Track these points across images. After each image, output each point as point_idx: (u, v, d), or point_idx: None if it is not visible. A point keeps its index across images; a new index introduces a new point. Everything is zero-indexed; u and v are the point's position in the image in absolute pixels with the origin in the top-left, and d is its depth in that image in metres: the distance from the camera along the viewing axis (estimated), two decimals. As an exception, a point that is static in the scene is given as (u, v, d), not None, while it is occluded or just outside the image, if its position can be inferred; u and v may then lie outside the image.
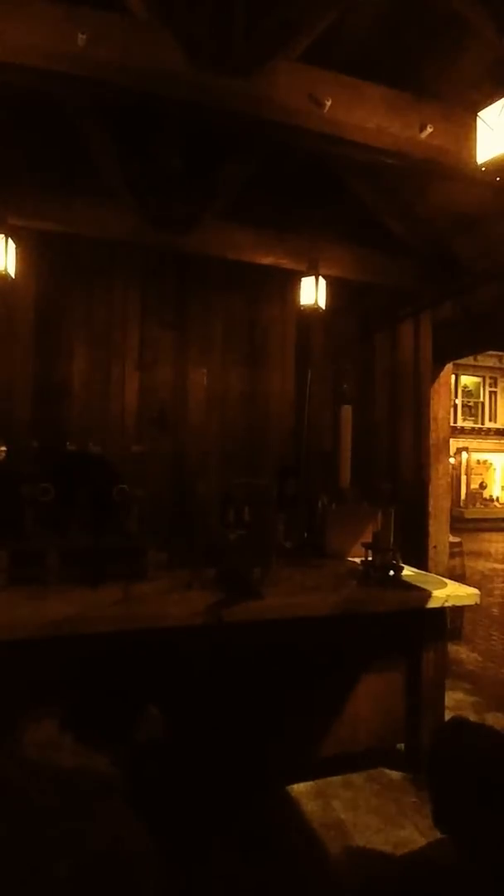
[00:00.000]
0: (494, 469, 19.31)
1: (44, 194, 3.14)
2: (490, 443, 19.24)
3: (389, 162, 2.55)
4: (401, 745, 3.08)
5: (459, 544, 5.90)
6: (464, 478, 18.47)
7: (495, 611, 6.73)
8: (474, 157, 2.13)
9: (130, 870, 0.98)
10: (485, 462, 19.19)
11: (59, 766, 1.07)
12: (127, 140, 3.19)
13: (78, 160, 3.20)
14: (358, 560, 3.16)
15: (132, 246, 3.59)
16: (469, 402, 19.45)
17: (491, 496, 19.03)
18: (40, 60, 2.02)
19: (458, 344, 3.80)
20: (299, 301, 3.64)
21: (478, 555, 11.37)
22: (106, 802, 1.04)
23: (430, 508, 3.77)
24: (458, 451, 18.29)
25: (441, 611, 2.95)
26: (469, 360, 17.34)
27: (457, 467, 18.12)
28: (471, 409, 19.50)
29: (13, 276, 3.08)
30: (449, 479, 3.96)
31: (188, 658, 2.39)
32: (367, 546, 3.05)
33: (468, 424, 19.15)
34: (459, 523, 14.94)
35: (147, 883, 0.99)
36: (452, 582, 3.19)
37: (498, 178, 2.06)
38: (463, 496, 18.25)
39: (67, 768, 1.07)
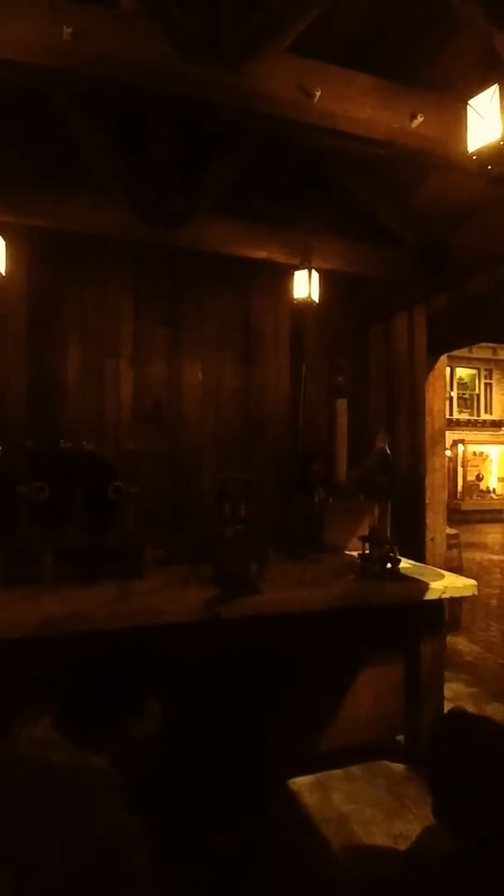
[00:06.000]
0: (491, 461, 19.33)
1: (35, 190, 3.11)
2: (486, 435, 19.27)
3: (381, 152, 2.54)
4: (400, 737, 3.09)
5: (457, 536, 5.92)
6: (460, 470, 18.48)
7: (493, 602, 6.76)
8: (465, 145, 2.11)
9: (126, 864, 0.98)
10: (481, 454, 19.21)
11: (54, 763, 1.06)
12: (118, 135, 3.17)
13: (69, 156, 3.18)
14: (355, 553, 3.16)
15: (124, 242, 3.57)
16: (464, 394, 19.45)
17: (487, 488, 19.06)
18: (25, 55, 2.00)
19: (452, 336, 3.79)
20: (293, 295, 3.62)
21: (475, 546, 11.41)
22: (101, 798, 1.04)
23: (427, 501, 3.77)
24: (455, 443, 18.30)
25: (439, 602, 2.96)
26: (464, 352, 17.33)
27: (453, 459, 18.13)
28: (466, 402, 19.49)
29: (4, 273, 3.06)
30: (445, 472, 3.96)
31: (187, 654, 2.39)
32: (364, 539, 3.05)
33: (464, 416, 19.15)
34: (456, 515, 15.00)
35: (144, 877, 0.99)
36: (450, 573, 3.19)
37: (489, 167, 2.05)
38: (459, 488, 18.27)
39: (63, 765, 1.06)
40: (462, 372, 19.30)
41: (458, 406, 19.16)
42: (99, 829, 0.99)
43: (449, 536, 4.52)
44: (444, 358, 3.89)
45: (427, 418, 3.81)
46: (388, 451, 3.09)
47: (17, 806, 1.03)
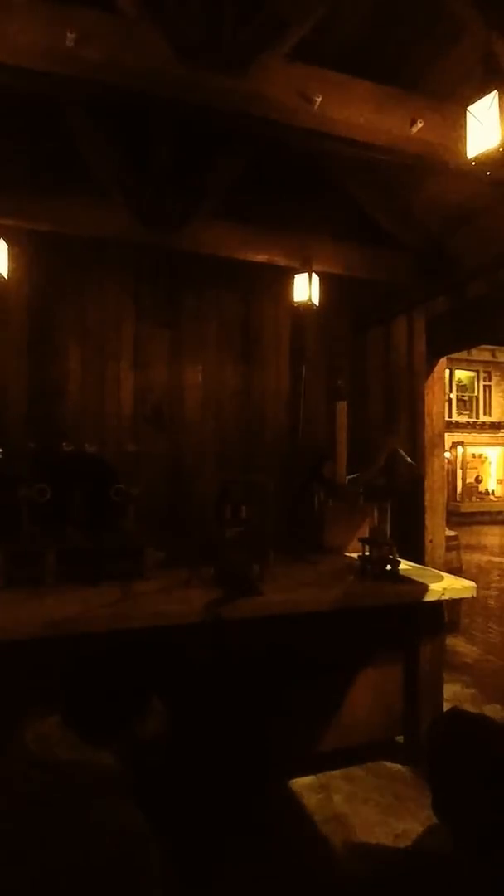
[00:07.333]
0: (490, 463, 19.35)
1: (36, 194, 3.13)
2: (485, 437, 19.29)
3: (381, 157, 2.56)
4: (400, 738, 3.10)
5: (456, 538, 5.92)
6: (459, 472, 18.51)
7: (492, 603, 6.77)
8: (464, 151, 2.13)
9: (132, 861, 0.99)
10: (480, 456, 19.24)
11: (60, 761, 1.08)
12: (119, 138, 3.18)
13: (70, 159, 3.19)
14: (355, 555, 3.17)
15: (125, 245, 3.59)
16: (464, 396, 19.49)
17: (486, 490, 19.08)
18: (28, 60, 2.02)
19: (451, 338, 3.81)
20: (293, 298, 3.64)
21: (474, 548, 11.42)
22: (107, 795, 1.05)
23: (426, 503, 3.79)
24: (454, 445, 18.33)
25: (438, 604, 2.97)
26: (463, 355, 17.36)
27: (452, 462, 18.16)
28: (465, 404, 19.53)
29: (5, 276, 3.07)
30: (444, 474, 3.98)
31: (189, 655, 2.40)
32: (363, 541, 3.07)
33: (463, 419, 19.18)
34: (455, 517, 15.02)
35: (150, 874, 1.00)
36: (449, 575, 3.21)
37: (488, 173, 2.07)
38: (459, 490, 18.29)
39: (70, 762, 1.08)
40: (461, 374, 19.34)
41: (458, 408, 19.19)
42: (107, 826, 1.00)
43: (448, 538, 4.53)
44: (443, 360, 3.91)
45: (426, 420, 3.83)
46: (400, 452, 3.14)
47: (24, 802, 1.05)
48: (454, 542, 5.70)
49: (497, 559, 10.42)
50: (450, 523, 4.59)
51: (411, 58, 2.79)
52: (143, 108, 2.77)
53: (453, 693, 3.82)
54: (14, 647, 2.12)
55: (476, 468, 19.07)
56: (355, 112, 2.32)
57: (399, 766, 2.96)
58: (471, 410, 19.55)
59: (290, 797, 2.71)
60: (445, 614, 3.25)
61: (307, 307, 3.60)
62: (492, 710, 3.66)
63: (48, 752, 1.09)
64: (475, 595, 3.08)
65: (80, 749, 1.10)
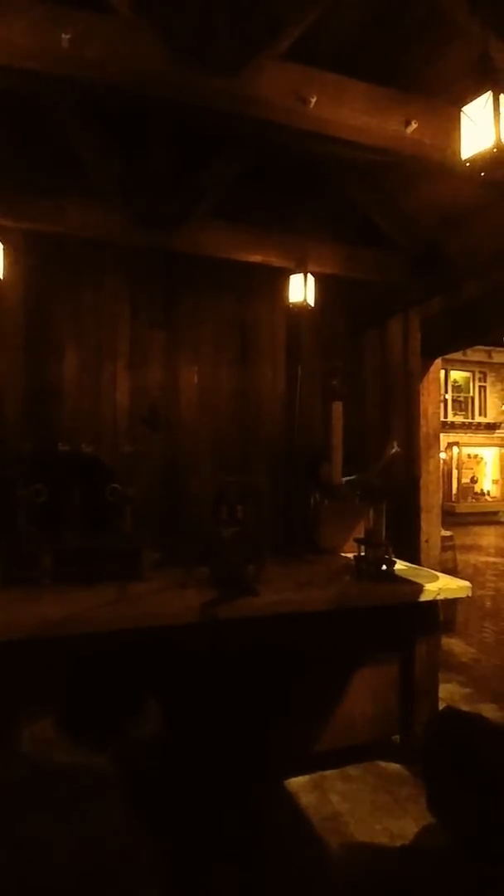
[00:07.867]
0: (485, 463, 19.42)
1: (32, 195, 3.12)
2: (480, 437, 19.35)
3: (376, 158, 2.57)
4: (396, 737, 3.11)
5: (451, 538, 5.94)
6: (455, 472, 18.55)
7: (487, 603, 6.79)
8: (459, 152, 2.13)
9: (128, 863, 0.99)
10: (476, 456, 19.30)
11: (55, 763, 1.08)
12: (115, 140, 3.18)
13: (66, 160, 3.19)
14: (351, 555, 3.18)
15: (121, 246, 3.58)
16: (459, 397, 19.54)
17: (482, 490, 19.14)
18: (23, 61, 2.01)
19: (446, 339, 3.82)
20: (288, 298, 3.64)
21: (469, 548, 11.45)
22: (104, 797, 1.05)
23: (422, 503, 3.79)
24: (449, 445, 18.38)
25: (433, 604, 2.98)
26: (458, 355, 17.38)
27: (448, 462, 18.21)
28: (461, 404, 19.58)
29: (2, 277, 3.06)
30: (440, 474, 3.98)
31: (185, 656, 2.40)
32: (359, 541, 3.07)
33: (458, 419, 19.23)
34: (451, 517, 15.05)
35: (148, 874, 1.00)
36: (444, 575, 3.22)
37: (482, 174, 2.07)
38: (454, 490, 18.33)
39: (63, 765, 1.07)
40: (456, 374, 19.40)
41: (453, 409, 19.25)
42: (101, 828, 1.00)
43: (443, 538, 4.53)
44: (438, 361, 3.92)
45: (422, 421, 3.83)
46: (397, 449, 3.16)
47: (19, 805, 1.04)
48: (449, 543, 5.71)
49: (492, 559, 10.46)
50: (445, 524, 4.60)
51: (406, 58, 2.79)
52: (141, 109, 2.77)
53: (449, 693, 3.83)
54: (9, 648, 2.11)
55: (471, 469, 19.13)
56: (350, 113, 2.32)
57: (395, 766, 2.96)
58: (466, 411, 19.61)
59: (286, 797, 2.71)
60: (441, 614, 3.26)
61: (302, 308, 3.61)
62: (487, 710, 3.67)
63: (44, 754, 1.08)
64: (470, 595, 3.09)
65: (76, 751, 1.10)
